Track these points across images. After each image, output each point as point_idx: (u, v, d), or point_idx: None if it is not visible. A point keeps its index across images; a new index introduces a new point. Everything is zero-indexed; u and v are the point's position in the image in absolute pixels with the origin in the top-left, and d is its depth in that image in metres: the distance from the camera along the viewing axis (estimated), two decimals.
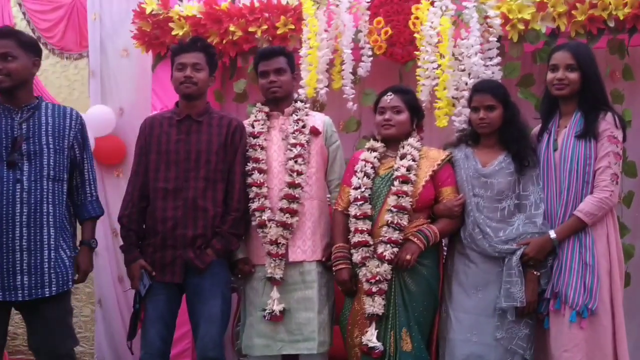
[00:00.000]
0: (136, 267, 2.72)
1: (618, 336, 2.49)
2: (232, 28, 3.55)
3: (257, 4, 3.55)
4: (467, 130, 2.83)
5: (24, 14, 4.28)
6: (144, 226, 2.79)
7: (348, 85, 3.37)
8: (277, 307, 2.68)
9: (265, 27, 3.52)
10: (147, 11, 3.67)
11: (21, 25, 4.25)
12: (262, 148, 2.80)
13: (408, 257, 2.50)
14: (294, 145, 2.78)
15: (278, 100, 2.87)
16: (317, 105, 3.43)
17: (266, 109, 2.90)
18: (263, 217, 2.73)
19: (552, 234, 2.53)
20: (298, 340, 2.72)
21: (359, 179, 2.67)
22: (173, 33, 3.63)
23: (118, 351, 4.04)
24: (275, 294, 2.70)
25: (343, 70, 3.37)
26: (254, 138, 2.82)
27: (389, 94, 2.73)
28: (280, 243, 2.71)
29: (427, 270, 2.60)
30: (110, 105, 4.06)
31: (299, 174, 2.75)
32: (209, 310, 2.69)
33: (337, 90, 3.42)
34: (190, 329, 3.66)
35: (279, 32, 3.50)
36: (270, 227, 2.72)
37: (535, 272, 2.54)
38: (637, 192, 3.33)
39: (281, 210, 2.74)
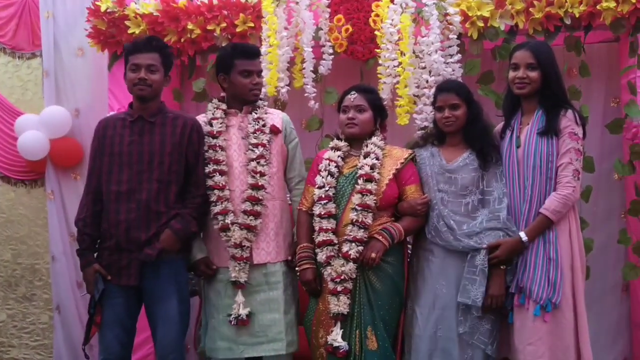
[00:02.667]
0: (90, 272, 2.68)
1: (580, 328, 2.53)
2: (190, 26, 3.49)
3: (215, 2, 3.50)
4: (432, 130, 2.84)
5: None
6: (100, 229, 2.72)
7: (309, 84, 3.35)
8: (243, 311, 2.63)
9: (224, 25, 3.47)
10: (102, 9, 3.59)
11: None
12: (222, 149, 2.74)
13: (373, 255, 2.49)
14: (256, 145, 2.72)
15: (246, 101, 2.80)
16: (279, 104, 3.40)
17: (223, 106, 2.81)
18: (226, 221, 2.67)
19: (524, 236, 2.53)
20: (261, 342, 2.67)
21: (323, 178, 2.65)
22: (129, 31, 3.55)
23: (77, 358, 3.94)
24: (240, 297, 2.65)
25: (304, 68, 3.35)
26: (213, 138, 2.74)
27: (352, 92, 2.72)
28: (244, 246, 2.66)
29: (392, 268, 2.59)
30: (66, 106, 3.96)
31: (262, 175, 2.70)
32: (165, 311, 2.64)
33: (299, 89, 3.40)
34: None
35: (238, 30, 3.46)
36: (234, 230, 2.67)
37: (502, 267, 2.56)
38: (594, 187, 3.39)
39: (245, 212, 2.68)
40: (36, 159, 3.92)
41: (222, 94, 2.86)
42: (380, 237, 2.54)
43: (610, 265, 3.53)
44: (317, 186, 2.66)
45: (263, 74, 3.26)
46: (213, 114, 2.80)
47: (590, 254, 3.22)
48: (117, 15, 3.58)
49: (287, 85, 3.35)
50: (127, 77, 2.72)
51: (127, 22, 3.56)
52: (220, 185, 2.69)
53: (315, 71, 3.35)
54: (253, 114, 2.78)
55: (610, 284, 3.55)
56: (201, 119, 2.82)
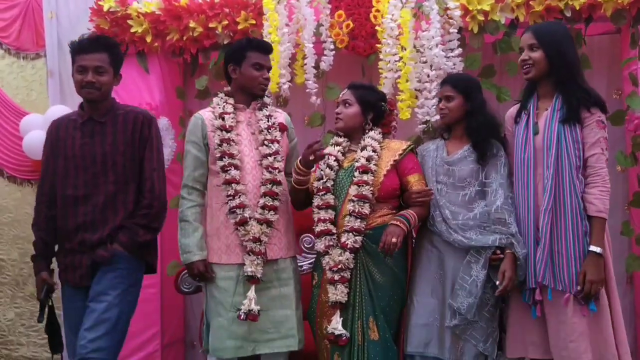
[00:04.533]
0: (39, 280, 2.65)
1: (616, 321, 2.47)
2: (192, 24, 3.51)
3: (217, 0, 3.51)
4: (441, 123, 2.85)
5: None
6: (55, 234, 2.68)
7: (311, 80, 3.36)
8: (252, 306, 2.58)
9: (225, 22, 3.48)
10: (105, 8, 3.61)
11: None
12: (236, 143, 2.69)
13: (394, 239, 2.47)
14: (271, 141, 2.71)
15: (256, 96, 2.78)
16: (281, 100, 3.41)
17: (231, 100, 2.76)
18: (245, 215, 2.63)
19: (597, 249, 2.40)
20: (274, 338, 2.65)
21: (322, 170, 2.70)
22: (132, 30, 3.58)
23: None
24: (252, 293, 2.60)
25: (305, 64, 3.36)
26: (225, 132, 2.68)
27: (345, 89, 2.79)
28: (262, 241, 2.64)
29: (393, 260, 2.61)
30: (71, 105, 3.95)
31: (279, 170, 2.70)
32: (101, 308, 2.50)
33: (300, 85, 3.41)
34: (159, 331, 3.68)
35: (239, 27, 3.47)
36: (252, 224, 2.64)
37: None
38: None
39: (263, 207, 2.65)
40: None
41: (227, 88, 2.82)
42: (397, 222, 2.54)
43: (613, 257, 3.51)
44: (316, 178, 2.69)
45: None
46: (223, 108, 2.72)
47: None
48: (119, 14, 3.60)
49: (288, 81, 3.36)
50: (74, 79, 2.64)
51: (129, 21, 3.58)
52: (237, 179, 2.64)
53: (316, 67, 3.37)
54: (264, 110, 2.77)
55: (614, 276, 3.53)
56: (207, 112, 2.76)
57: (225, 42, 3.50)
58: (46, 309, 2.66)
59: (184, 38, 3.55)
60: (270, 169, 2.68)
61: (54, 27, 4.00)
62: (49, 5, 3.99)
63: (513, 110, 2.72)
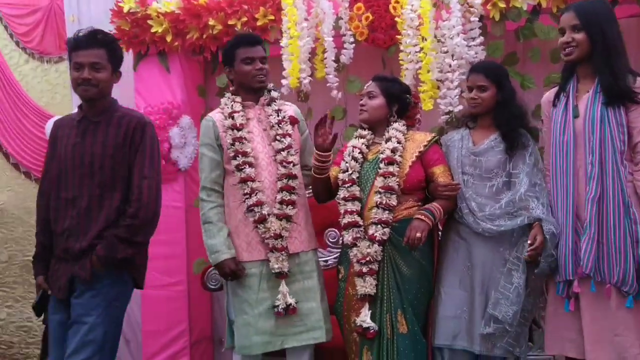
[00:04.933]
0: (36, 284, 2.59)
1: None
2: (211, 22, 3.51)
3: None
4: (466, 112, 2.82)
5: (0, 19, 4.23)
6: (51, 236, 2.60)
7: (331, 74, 3.34)
8: (289, 300, 2.59)
9: (244, 19, 3.48)
10: (125, 9, 3.63)
11: None
12: (248, 140, 2.69)
13: (418, 234, 2.45)
14: (283, 135, 2.71)
15: (257, 90, 2.79)
16: (302, 95, 3.40)
17: (239, 99, 2.76)
18: (263, 212, 2.64)
19: None
20: (301, 331, 2.65)
21: (346, 162, 2.68)
22: (152, 30, 3.60)
23: None
24: (284, 287, 2.61)
25: (325, 58, 3.34)
26: (237, 130, 2.69)
27: (370, 81, 2.76)
28: (283, 236, 2.64)
29: (420, 253, 2.58)
30: None
31: (294, 164, 2.69)
32: (84, 330, 2.39)
33: (321, 79, 3.39)
34: (186, 328, 3.70)
35: (258, 23, 3.47)
36: (271, 221, 2.64)
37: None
38: None
39: (281, 202, 2.66)
40: None
41: (232, 88, 2.83)
42: (422, 217, 2.51)
43: None
44: (341, 170, 2.68)
45: (284, 65, 3.31)
46: (232, 108, 2.73)
47: None
48: (139, 15, 3.62)
49: (309, 76, 3.35)
50: (70, 77, 2.54)
51: (149, 22, 3.60)
52: (252, 176, 2.65)
53: (336, 61, 3.34)
54: (272, 105, 2.77)
55: None
56: (216, 113, 2.78)
57: (244, 32, 3.49)
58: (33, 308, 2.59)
59: (204, 36, 3.56)
60: (284, 163, 2.68)
61: (76, 30, 4.02)
62: (70, 9, 4.03)
63: (550, 94, 2.62)
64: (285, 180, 2.68)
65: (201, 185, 2.76)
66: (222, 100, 2.80)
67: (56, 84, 4.23)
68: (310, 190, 2.86)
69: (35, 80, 4.24)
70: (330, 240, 3.50)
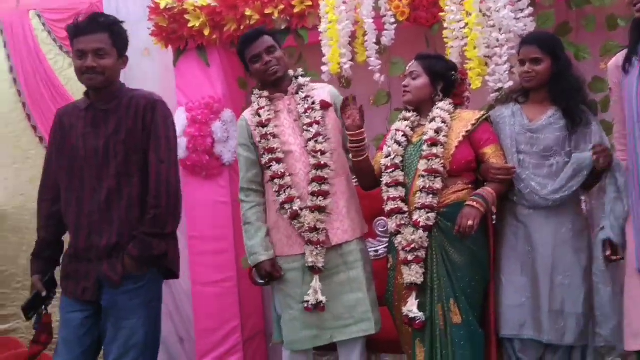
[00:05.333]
0: (32, 282, 2.47)
1: None
2: (248, 12, 3.44)
3: None
4: (515, 86, 2.68)
5: (43, 24, 4.28)
6: (57, 233, 2.50)
7: (373, 57, 3.22)
8: (320, 297, 2.51)
9: (281, 7, 3.40)
10: (162, 6, 3.61)
11: (42, 36, 4.27)
12: (275, 136, 2.62)
13: (470, 222, 2.32)
14: (310, 124, 2.62)
15: (279, 81, 2.69)
16: (343, 81, 3.30)
17: (266, 93, 2.69)
18: (294, 208, 2.57)
19: None
20: (349, 324, 2.57)
21: (389, 147, 2.58)
22: (189, 25, 3.56)
23: (170, 354, 4.01)
24: (316, 283, 2.53)
25: (366, 41, 3.23)
26: (263, 127, 2.62)
27: (412, 61, 2.64)
28: (319, 229, 2.55)
29: (471, 239, 2.43)
30: None
31: (323, 153, 2.59)
32: (124, 335, 2.30)
33: (362, 64, 3.28)
34: (239, 324, 3.66)
35: (295, 10, 3.38)
36: (305, 215, 2.56)
37: None
38: None
39: (313, 194, 2.57)
40: None
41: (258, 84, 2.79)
42: (473, 203, 2.37)
43: None
44: (384, 155, 2.57)
45: (324, 51, 3.22)
46: (259, 104, 2.67)
47: None
48: (176, 10, 3.59)
49: (350, 60, 3.24)
50: (74, 66, 2.37)
51: (186, 16, 3.56)
52: (280, 173, 2.58)
53: (378, 43, 3.22)
54: (300, 93, 2.68)
55: None
56: (248, 112, 2.73)
57: (283, 27, 3.42)
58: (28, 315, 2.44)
59: (242, 27, 3.49)
60: (313, 153, 2.59)
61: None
62: (110, 9, 4.03)
63: (618, 58, 2.39)
64: (315, 171, 2.59)
65: (240, 186, 2.73)
66: (252, 97, 2.76)
67: None
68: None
69: (79, 83, 4.26)
70: (380, 229, 3.39)
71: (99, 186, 2.34)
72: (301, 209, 2.57)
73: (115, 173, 2.33)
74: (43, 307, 2.45)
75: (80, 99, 2.50)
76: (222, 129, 3.61)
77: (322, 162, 2.59)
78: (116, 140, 2.33)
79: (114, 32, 2.36)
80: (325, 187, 2.58)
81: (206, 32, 3.56)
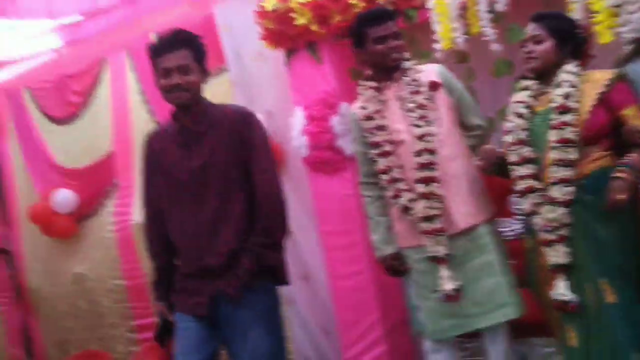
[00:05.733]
0: (157, 311, 2.51)
1: None
2: (352, 1, 3.38)
3: None
4: None
5: None
6: (168, 254, 2.49)
7: (487, 26, 3.04)
8: (450, 287, 2.44)
9: None
10: (268, 8, 3.64)
11: None
12: (381, 129, 2.57)
13: (621, 196, 2.11)
14: (413, 109, 2.53)
15: (394, 68, 2.61)
16: (459, 56, 3.16)
17: (373, 84, 2.64)
18: (403, 201, 2.53)
19: None
20: (490, 309, 2.47)
21: (511, 122, 2.41)
22: (296, 23, 3.56)
23: (318, 348, 4.06)
24: (444, 272, 2.46)
25: (478, 10, 3.04)
26: (369, 120, 2.59)
27: (529, 23, 2.43)
28: (434, 216, 2.47)
29: (619, 211, 2.20)
30: (257, 110, 4.06)
31: (427, 136, 2.49)
32: (251, 346, 2.28)
33: (477, 35, 3.10)
34: (379, 316, 3.62)
35: None
36: (416, 205, 2.49)
37: None
38: None
39: (420, 181, 2.49)
40: None
41: (367, 72, 2.71)
42: (622, 175, 2.15)
43: None
44: (506, 132, 2.41)
45: (433, 28, 3.09)
46: (365, 96, 2.64)
47: None
48: (282, 11, 3.61)
49: (463, 34, 3.08)
50: (159, 85, 2.34)
51: (292, 15, 3.57)
52: (385, 167, 2.55)
53: (491, 11, 3.03)
54: (404, 78, 2.59)
55: None
56: (356, 107, 2.70)
57: (370, 9, 3.32)
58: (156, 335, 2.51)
59: (348, 18, 3.44)
60: (420, 138, 2.50)
61: (230, 40, 4.16)
62: (222, 19, 4.15)
63: None
64: (423, 157, 2.49)
65: (359, 181, 2.73)
66: (359, 89, 2.71)
67: (219, 94, 4.34)
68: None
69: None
70: (515, 207, 3.21)
71: (202, 207, 2.33)
72: (411, 200, 2.51)
73: (217, 192, 2.32)
74: (170, 330, 2.47)
75: (167, 122, 2.49)
76: (340, 122, 3.59)
77: (429, 148, 2.49)
78: (215, 159, 2.32)
79: (195, 47, 2.35)
80: (433, 173, 2.49)
81: (313, 28, 3.54)
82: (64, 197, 4.92)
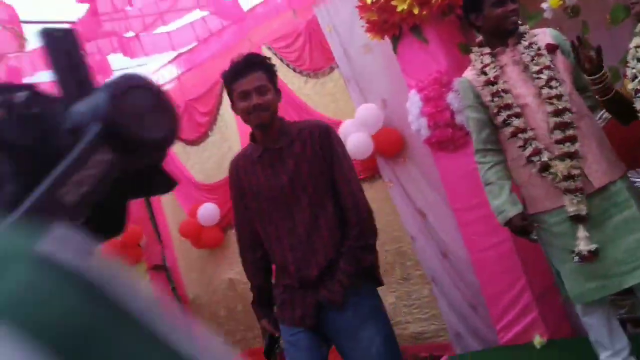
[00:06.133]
0: (261, 326, 2.55)
1: None
2: None
3: None
4: None
5: (275, 54, 4.73)
6: (266, 276, 2.57)
7: None
8: (586, 247, 2.40)
9: None
10: (368, 1, 3.73)
11: (277, 63, 4.70)
12: (507, 91, 2.56)
13: None
14: (540, 71, 2.50)
15: (507, 33, 2.60)
16: (569, 11, 3.07)
17: (487, 50, 2.64)
18: (543, 159, 2.49)
19: None
20: (636, 266, 2.40)
21: (632, 68, 2.33)
22: (398, 9, 3.62)
23: (465, 319, 4.11)
24: (582, 232, 2.42)
25: None
26: (492, 85, 2.58)
27: None
28: (574, 175, 2.44)
29: None
30: (373, 101, 4.21)
31: (559, 97, 2.47)
32: (364, 346, 2.29)
33: None
34: (526, 283, 3.61)
35: None
36: (556, 164, 2.47)
37: None
38: None
39: (558, 141, 2.47)
40: (366, 157, 4.23)
41: (478, 39, 2.70)
42: None
43: None
44: (629, 79, 2.34)
45: None
46: (482, 62, 2.63)
47: None
48: (383, 1, 3.69)
49: None
50: (239, 108, 2.38)
51: (393, 3, 3.64)
52: (521, 127, 2.52)
53: None
54: (522, 42, 2.57)
55: None
56: (469, 72, 2.70)
57: None
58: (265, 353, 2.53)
59: None
60: (550, 99, 2.45)
61: (335, 38, 4.29)
62: (325, 20, 4.30)
63: None
64: (556, 117, 2.46)
65: (474, 149, 2.72)
66: (471, 57, 2.71)
67: (334, 92, 4.56)
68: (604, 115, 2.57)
69: (317, 96, 4.63)
70: None
71: (294, 222, 2.38)
72: (550, 160, 2.49)
73: (307, 205, 2.36)
74: (277, 345, 2.54)
75: (247, 146, 2.55)
76: (456, 98, 3.61)
77: (561, 107, 2.47)
78: (300, 173, 2.37)
79: (268, 69, 2.40)
80: (570, 132, 2.46)
81: (415, 11, 3.58)
82: (209, 211, 5.32)
